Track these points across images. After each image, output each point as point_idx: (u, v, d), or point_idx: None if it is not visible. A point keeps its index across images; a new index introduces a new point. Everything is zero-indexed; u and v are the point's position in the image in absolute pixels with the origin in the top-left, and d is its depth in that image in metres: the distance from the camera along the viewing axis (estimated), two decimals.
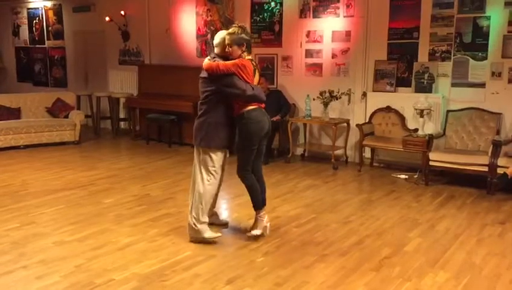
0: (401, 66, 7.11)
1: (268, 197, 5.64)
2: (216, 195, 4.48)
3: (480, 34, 6.48)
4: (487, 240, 4.47)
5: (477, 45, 6.53)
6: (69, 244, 4.29)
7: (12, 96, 9.17)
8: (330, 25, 7.59)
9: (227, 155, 4.43)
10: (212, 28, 8.87)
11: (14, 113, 8.84)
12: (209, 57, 4.26)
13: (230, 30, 4.23)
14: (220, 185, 4.44)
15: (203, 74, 4.21)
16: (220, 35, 4.29)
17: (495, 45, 6.40)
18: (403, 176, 6.67)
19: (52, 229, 4.63)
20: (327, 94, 7.25)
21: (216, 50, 4.31)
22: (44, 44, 11.97)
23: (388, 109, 7.13)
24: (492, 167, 5.79)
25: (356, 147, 7.39)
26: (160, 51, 9.71)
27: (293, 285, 3.54)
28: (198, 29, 9.10)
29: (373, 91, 7.33)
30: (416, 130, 6.70)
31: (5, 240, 4.36)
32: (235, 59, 4.17)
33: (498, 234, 4.61)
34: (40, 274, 3.69)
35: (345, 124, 7.42)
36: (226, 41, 4.19)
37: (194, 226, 4.27)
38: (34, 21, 12.08)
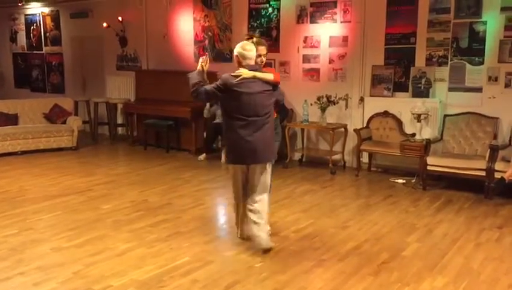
0: (398, 71, 7.13)
1: None
2: None
3: (477, 39, 6.51)
4: (485, 244, 4.48)
5: (473, 49, 6.56)
6: (67, 250, 4.28)
7: (9, 102, 9.16)
8: (327, 31, 7.62)
9: None
10: (209, 33, 8.90)
11: (11, 119, 8.83)
12: (247, 69, 4.07)
13: (258, 39, 4.28)
14: None
15: (267, 87, 4.09)
16: (253, 46, 4.15)
17: (491, 50, 6.43)
18: (400, 181, 6.68)
19: (49, 236, 4.62)
20: (324, 99, 7.27)
21: (252, 61, 4.12)
22: (41, 50, 11.97)
23: (385, 113, 7.15)
24: (490, 171, 5.81)
25: (354, 151, 7.40)
26: (158, 56, 9.72)
27: None
28: (196, 35, 9.12)
29: (370, 96, 7.35)
30: (413, 134, 6.71)
31: (2, 246, 4.35)
32: (260, 69, 4.22)
33: (496, 239, 4.62)
34: (38, 281, 3.68)
35: (343, 129, 7.43)
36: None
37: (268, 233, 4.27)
38: (32, 27, 12.09)
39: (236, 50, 4.14)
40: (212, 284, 3.64)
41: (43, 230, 4.77)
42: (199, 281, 3.68)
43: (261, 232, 4.18)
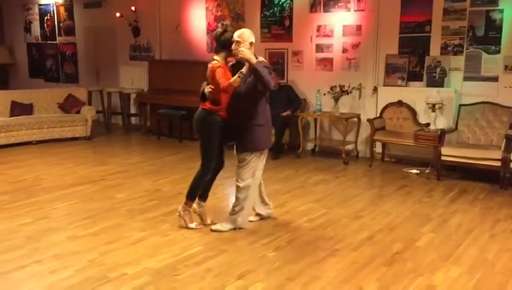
0: (412, 60, 7.06)
1: (278, 192, 5.71)
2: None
3: (493, 28, 6.42)
4: (500, 235, 4.44)
5: (490, 38, 6.46)
6: (82, 239, 4.33)
7: (24, 92, 9.25)
8: (341, 19, 7.56)
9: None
10: (222, 23, 8.86)
11: (26, 109, 8.92)
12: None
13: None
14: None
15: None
16: None
17: (508, 38, 6.33)
18: (414, 171, 6.64)
19: (65, 224, 4.67)
20: (338, 89, 7.23)
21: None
22: (55, 40, 12.05)
23: (399, 103, 7.08)
24: (505, 161, 5.74)
25: (367, 141, 7.36)
26: (171, 46, 9.73)
27: (305, 280, 3.55)
28: (209, 24, 9.10)
29: (384, 86, 7.29)
30: (428, 124, 6.65)
31: (18, 235, 4.41)
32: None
33: (511, 230, 4.58)
34: (54, 269, 3.73)
35: (356, 119, 7.39)
36: None
37: None
38: (46, 17, 12.15)
39: (251, 37, 4.31)
40: (225, 272, 3.66)
41: (58, 219, 4.83)
42: (212, 270, 3.70)
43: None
